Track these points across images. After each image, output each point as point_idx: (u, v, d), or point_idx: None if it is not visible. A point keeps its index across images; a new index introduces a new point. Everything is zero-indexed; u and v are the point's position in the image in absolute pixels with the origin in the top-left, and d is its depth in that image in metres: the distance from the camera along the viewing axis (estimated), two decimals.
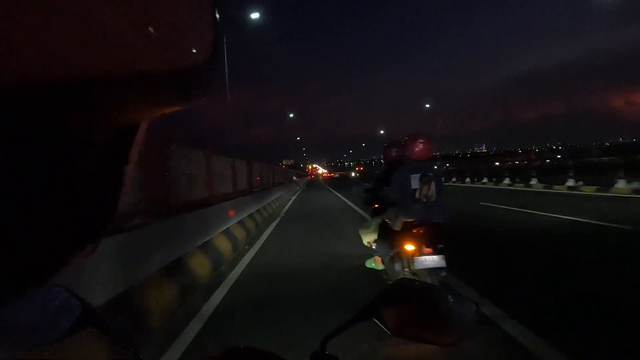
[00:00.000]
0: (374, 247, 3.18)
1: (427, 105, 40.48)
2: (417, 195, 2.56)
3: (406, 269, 2.62)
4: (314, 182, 41.15)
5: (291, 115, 52.20)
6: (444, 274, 2.58)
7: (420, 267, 2.50)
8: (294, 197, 16.19)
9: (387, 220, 2.83)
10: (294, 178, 29.82)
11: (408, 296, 0.54)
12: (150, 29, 0.14)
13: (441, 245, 2.54)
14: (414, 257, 2.53)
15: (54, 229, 0.17)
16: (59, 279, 0.19)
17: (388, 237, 2.79)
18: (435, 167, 2.73)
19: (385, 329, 0.50)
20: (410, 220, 2.59)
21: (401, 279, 0.54)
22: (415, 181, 2.59)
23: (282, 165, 27.28)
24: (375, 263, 3.18)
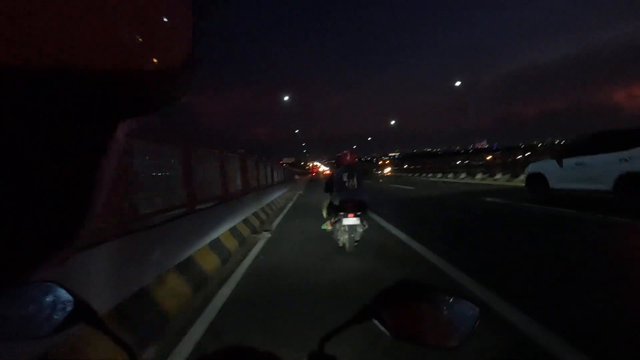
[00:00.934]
0: (325, 215, 5.14)
1: (458, 83, 34.35)
2: (346, 184, 4.53)
3: (342, 227, 4.58)
4: (316, 181, 42.59)
5: (286, 97, 47.39)
6: (361, 229, 4.27)
7: (346, 223, 4.25)
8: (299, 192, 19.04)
9: (331, 199, 4.83)
10: (296, 177, 31.58)
11: (409, 297, 0.52)
12: (127, 27, 0.14)
13: (359, 213, 4.38)
14: (343, 219, 4.35)
15: (29, 226, 0.17)
16: (49, 274, 0.19)
17: (332, 209, 4.61)
18: (360, 169, 4.71)
19: (385, 331, 0.49)
20: (343, 198, 4.48)
21: (402, 279, 0.53)
22: (345, 176, 4.53)
23: (283, 163, 28.92)
24: (326, 225, 4.71)
